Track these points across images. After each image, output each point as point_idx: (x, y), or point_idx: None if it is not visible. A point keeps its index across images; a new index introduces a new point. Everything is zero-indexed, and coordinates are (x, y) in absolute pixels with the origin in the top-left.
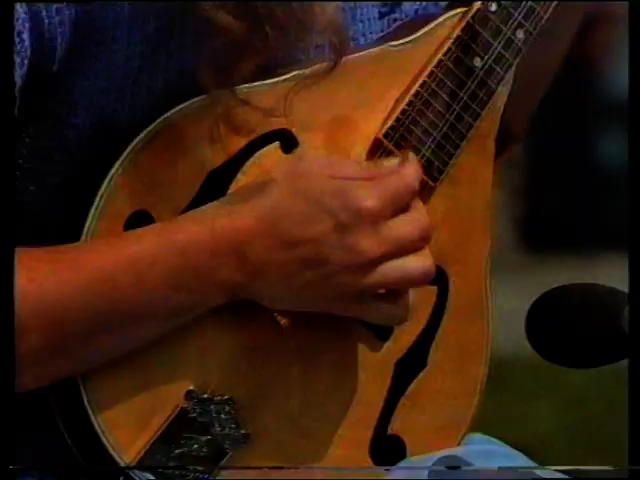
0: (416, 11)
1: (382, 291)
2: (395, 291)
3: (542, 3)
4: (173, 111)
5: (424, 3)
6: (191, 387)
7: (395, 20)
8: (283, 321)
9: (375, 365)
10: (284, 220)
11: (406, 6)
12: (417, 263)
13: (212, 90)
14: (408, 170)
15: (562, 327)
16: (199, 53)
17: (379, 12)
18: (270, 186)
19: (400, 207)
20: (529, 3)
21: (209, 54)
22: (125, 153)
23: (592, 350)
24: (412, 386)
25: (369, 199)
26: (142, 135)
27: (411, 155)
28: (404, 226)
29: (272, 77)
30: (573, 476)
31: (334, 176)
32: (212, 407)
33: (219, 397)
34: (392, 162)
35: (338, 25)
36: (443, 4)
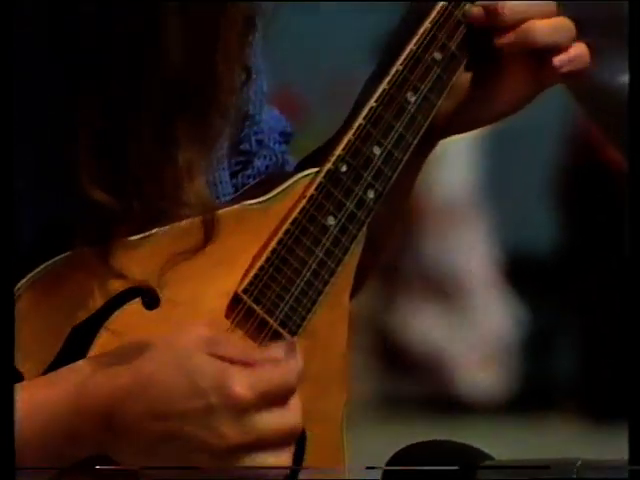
0: (267, 167)
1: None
2: None
3: (389, 165)
4: (39, 268)
5: (274, 159)
6: None
7: (248, 177)
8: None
9: None
10: (157, 390)
11: (257, 163)
12: (273, 462)
13: (79, 248)
14: (291, 366)
15: None
16: (70, 208)
17: (230, 173)
18: (150, 353)
19: (275, 402)
20: (377, 165)
21: (80, 211)
22: None
23: None
24: None
25: (242, 386)
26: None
27: (298, 350)
28: (271, 423)
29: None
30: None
31: (214, 355)
32: None
33: None
34: (278, 350)
35: (207, 200)
36: (293, 163)
